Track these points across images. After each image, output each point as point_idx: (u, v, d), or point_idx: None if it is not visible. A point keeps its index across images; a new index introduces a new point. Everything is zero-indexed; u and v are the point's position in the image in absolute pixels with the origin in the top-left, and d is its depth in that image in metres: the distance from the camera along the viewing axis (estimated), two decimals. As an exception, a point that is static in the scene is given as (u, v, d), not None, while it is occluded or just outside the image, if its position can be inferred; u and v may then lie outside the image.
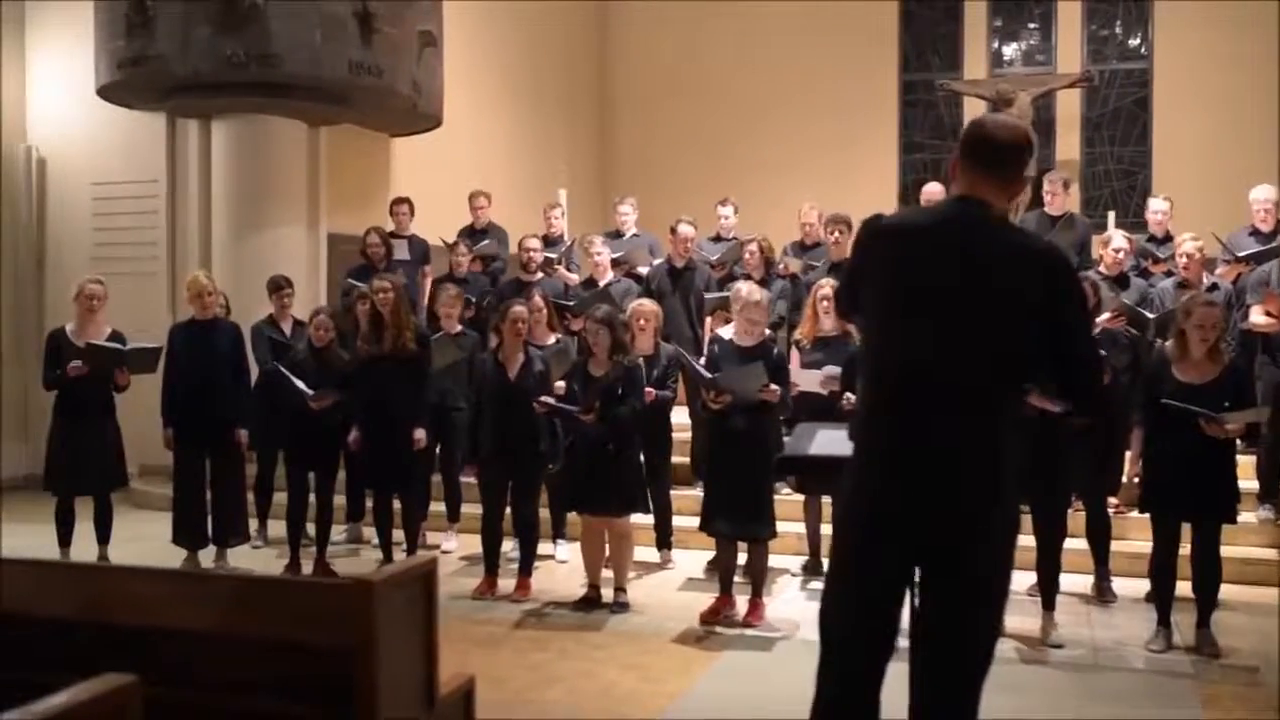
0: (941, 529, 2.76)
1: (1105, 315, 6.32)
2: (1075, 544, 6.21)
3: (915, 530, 2.77)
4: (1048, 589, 5.72)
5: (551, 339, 7.22)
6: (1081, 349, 2.90)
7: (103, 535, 6.98)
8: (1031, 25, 13.95)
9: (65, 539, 6.93)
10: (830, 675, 2.91)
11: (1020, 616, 5.84)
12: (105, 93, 9.51)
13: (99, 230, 10.35)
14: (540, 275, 8.46)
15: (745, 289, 6.29)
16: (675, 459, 7.55)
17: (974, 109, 13.71)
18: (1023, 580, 6.13)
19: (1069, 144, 13.55)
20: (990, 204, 2.87)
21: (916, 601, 2.89)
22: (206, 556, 7.15)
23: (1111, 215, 10.78)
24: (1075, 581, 6.34)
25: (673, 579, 7.06)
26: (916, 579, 2.87)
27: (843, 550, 2.94)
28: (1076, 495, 6.31)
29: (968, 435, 2.76)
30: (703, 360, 6.37)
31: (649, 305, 7.05)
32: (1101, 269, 7.46)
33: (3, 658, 2.79)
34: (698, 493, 7.54)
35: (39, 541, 6.96)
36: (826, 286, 6.65)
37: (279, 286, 7.95)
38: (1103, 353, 5.77)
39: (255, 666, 2.67)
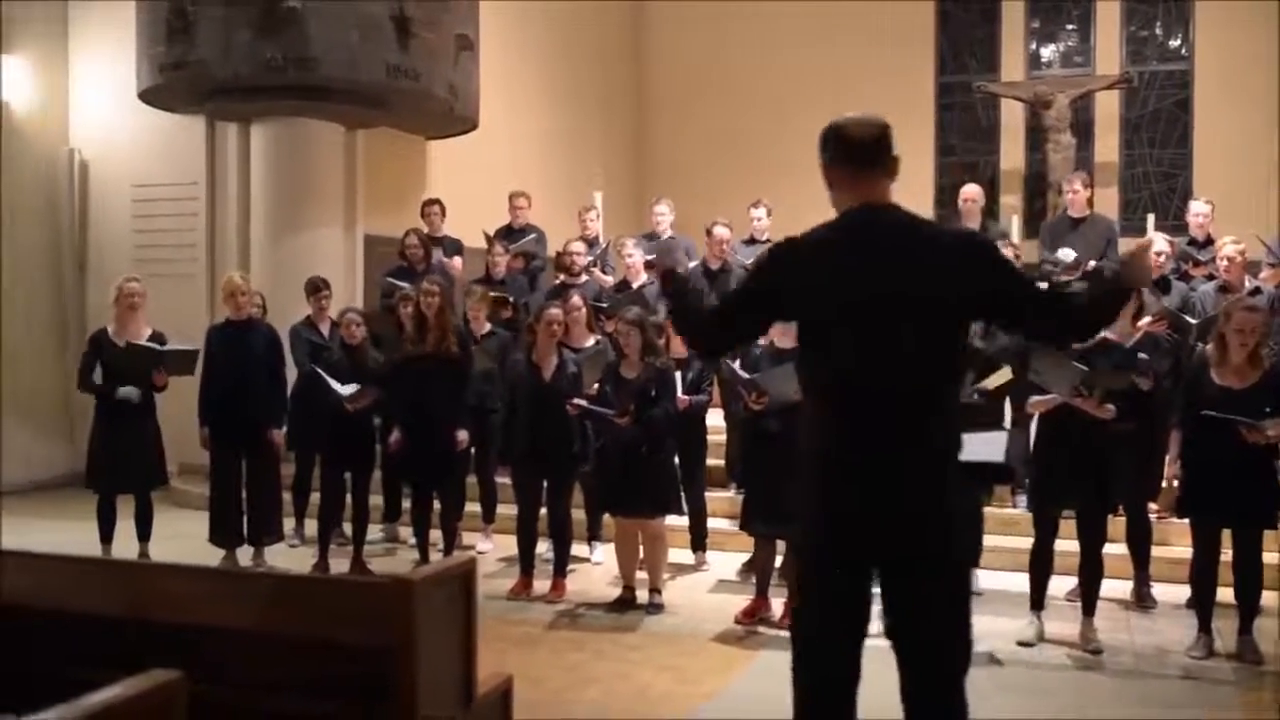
0: (891, 531, 2.81)
1: (1146, 319, 6.25)
2: (1115, 549, 6.15)
3: (865, 533, 2.83)
4: (1088, 594, 5.66)
5: (590, 341, 7.21)
6: (1031, 291, 3.01)
7: (143, 533, 7.05)
8: (1070, 26, 13.84)
9: (106, 536, 7.01)
10: (804, 672, 2.96)
11: (1060, 622, 5.81)
12: (146, 97, 9.62)
13: (139, 232, 10.48)
14: (584, 278, 8.47)
15: None
16: (710, 461, 7.54)
17: (1011, 111, 13.63)
18: (1063, 585, 6.10)
19: (1108, 146, 13.43)
20: (893, 205, 2.93)
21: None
22: (244, 555, 7.22)
23: (1151, 218, 10.66)
24: (1115, 587, 6.27)
25: (707, 580, 7.05)
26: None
27: (803, 554, 3.01)
28: (1117, 500, 6.24)
29: (907, 437, 2.81)
30: (738, 362, 6.34)
31: (680, 307, 7.02)
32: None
33: (45, 653, 2.83)
34: (732, 495, 7.55)
35: (81, 538, 7.03)
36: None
37: (317, 288, 8.00)
38: (1143, 356, 5.76)
39: (294, 664, 2.68)
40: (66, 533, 7.79)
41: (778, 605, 6.02)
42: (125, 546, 6.93)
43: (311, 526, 7.48)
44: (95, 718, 1.57)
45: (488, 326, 7.72)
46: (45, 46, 10.46)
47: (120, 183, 10.55)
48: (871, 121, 2.98)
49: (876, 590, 2.93)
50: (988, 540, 6.92)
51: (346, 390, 6.86)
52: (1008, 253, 7.32)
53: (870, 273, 2.83)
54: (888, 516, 2.79)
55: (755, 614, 6.02)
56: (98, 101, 10.60)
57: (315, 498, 7.63)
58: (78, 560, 3.22)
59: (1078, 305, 3.11)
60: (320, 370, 7.01)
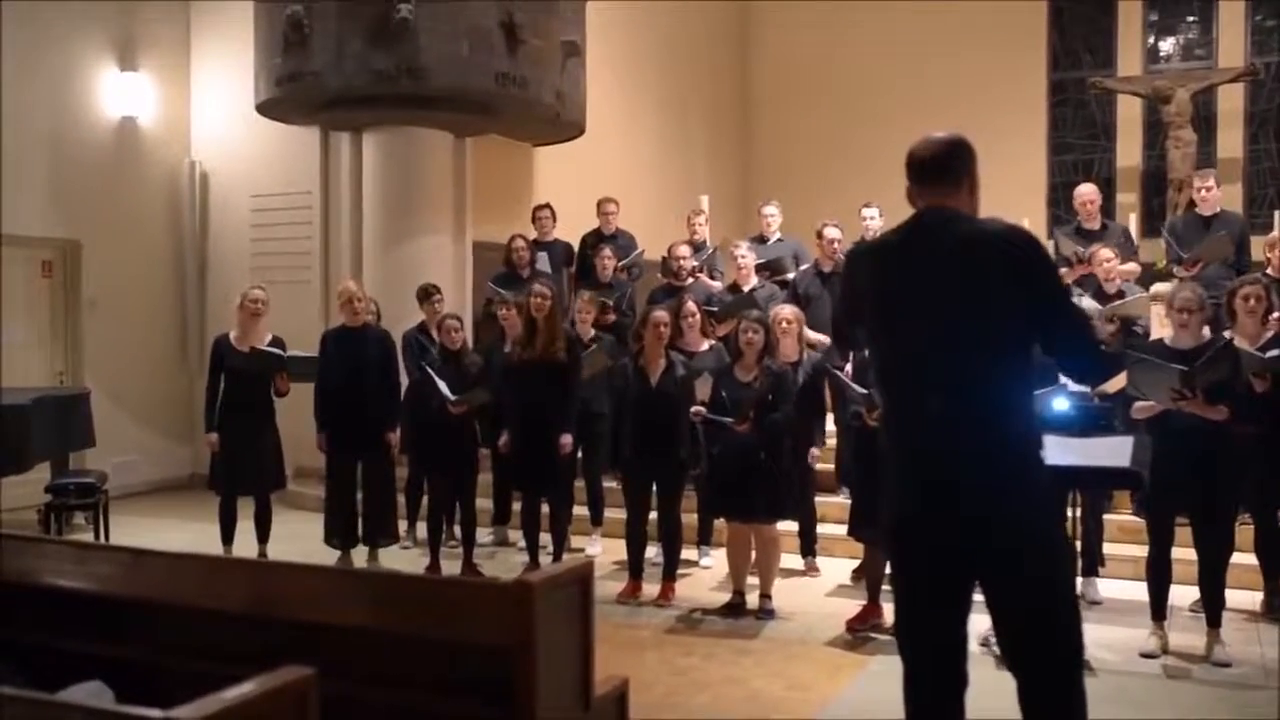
0: (971, 529, 2.82)
1: (1277, 315, 6.02)
2: (1244, 558, 5.93)
3: (933, 537, 2.87)
4: (1212, 605, 5.46)
5: (704, 345, 7.18)
6: (1062, 317, 2.96)
7: (262, 534, 7.23)
8: (1190, 19, 13.41)
9: (228, 536, 7.19)
10: (911, 686, 2.99)
11: (1184, 634, 5.62)
12: (264, 109, 9.87)
13: (256, 241, 10.76)
14: (691, 281, 8.46)
15: None
16: (820, 466, 7.46)
17: (1128, 107, 13.27)
18: (1186, 596, 5.90)
19: (1231, 141, 12.98)
20: (953, 208, 2.99)
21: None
22: (359, 557, 7.35)
23: (1278, 215, 10.26)
24: (1244, 598, 6.05)
25: (818, 586, 6.98)
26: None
27: (893, 563, 3.10)
28: (1244, 508, 6.01)
29: (975, 432, 2.83)
30: (849, 369, 6.26)
31: (789, 309, 6.98)
32: (1269, 271, 7.12)
33: (174, 648, 2.91)
34: (843, 500, 7.45)
35: (203, 539, 7.26)
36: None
37: (429, 294, 8.11)
38: (1275, 353, 5.53)
39: (415, 663, 2.72)
40: (189, 533, 8.06)
41: (889, 611, 5.93)
42: (243, 547, 7.12)
43: (424, 529, 7.59)
44: (234, 712, 1.60)
45: (593, 331, 7.75)
46: (168, 63, 10.81)
47: (239, 192, 10.86)
48: (937, 140, 3.07)
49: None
50: (1109, 549, 6.75)
51: (452, 394, 6.94)
52: (1107, 253, 7.16)
53: (916, 273, 2.93)
54: (954, 519, 2.83)
55: (867, 620, 5.94)
56: (217, 114, 10.93)
57: (427, 501, 7.73)
58: (206, 559, 3.30)
59: (1108, 356, 3.16)
60: (430, 370, 7.10)
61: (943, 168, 3.02)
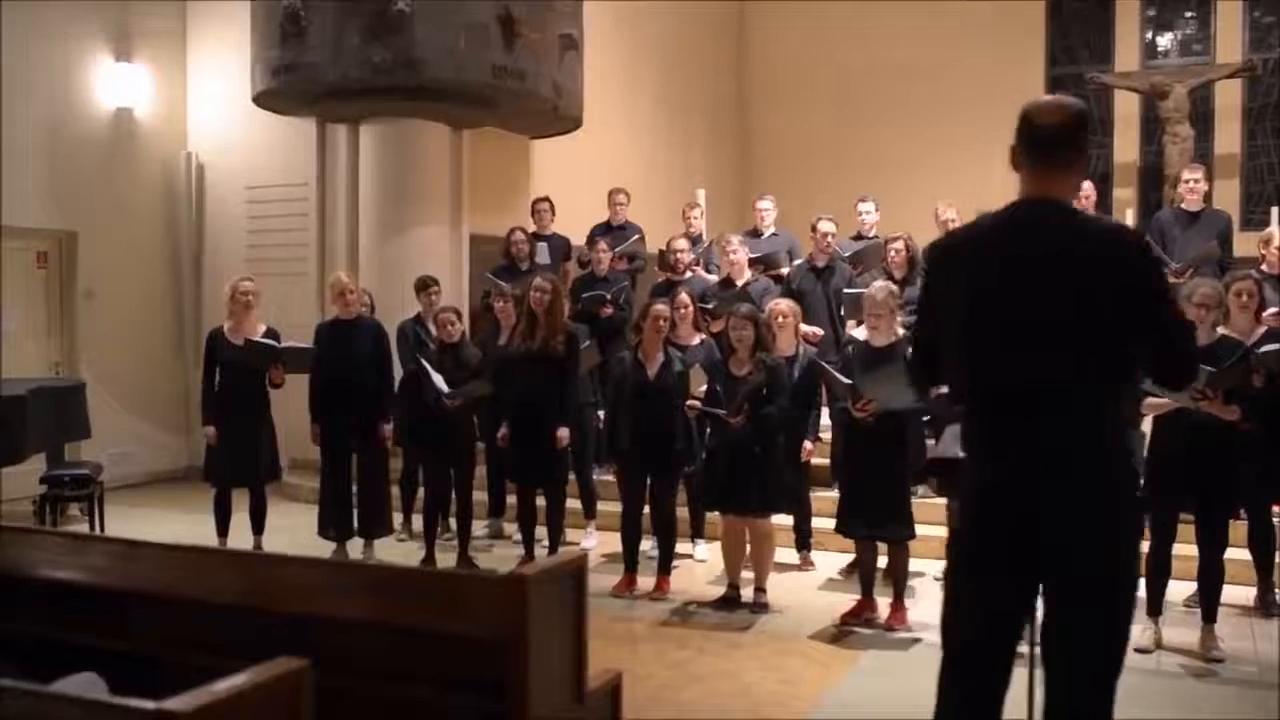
0: (1055, 528, 2.71)
1: (1272, 310, 6.03)
2: (1238, 554, 5.94)
3: (1030, 533, 2.73)
4: (1208, 601, 5.48)
5: (696, 339, 7.18)
6: (1168, 328, 2.83)
7: (257, 525, 7.23)
8: (1188, 14, 13.41)
9: (223, 528, 7.19)
10: (952, 684, 2.87)
11: (1178, 629, 5.63)
12: (260, 100, 9.86)
13: (252, 232, 10.75)
14: (689, 275, 8.46)
15: (872, 288, 6.20)
16: (815, 460, 7.46)
17: (1125, 103, 13.27)
18: (1181, 591, 5.91)
19: (1229, 137, 12.98)
20: (1054, 199, 2.81)
21: (1041, 607, 2.86)
22: (353, 549, 7.36)
23: (1275, 211, 10.28)
24: (1238, 593, 6.06)
25: (812, 580, 6.99)
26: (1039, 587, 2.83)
27: (961, 557, 2.92)
28: (1238, 503, 6.02)
29: (1068, 433, 2.72)
30: (838, 363, 6.26)
31: (785, 303, 6.99)
32: (1263, 268, 7.14)
33: (169, 640, 2.91)
34: (837, 494, 7.45)
35: (198, 530, 7.26)
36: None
37: (426, 285, 8.11)
38: (1273, 347, 5.54)
39: (409, 655, 2.72)
40: (184, 524, 8.06)
41: (883, 606, 5.95)
42: (239, 539, 7.12)
43: (419, 521, 7.59)
44: (228, 703, 1.61)
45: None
46: (164, 54, 10.79)
47: (235, 184, 10.84)
48: (1062, 106, 2.85)
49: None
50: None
51: (448, 387, 6.93)
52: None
53: (1014, 272, 2.75)
54: (1053, 509, 2.70)
55: (860, 615, 5.95)
56: (213, 106, 10.90)
57: (423, 493, 7.73)
58: (201, 550, 3.30)
59: (1197, 363, 3.05)
60: (426, 363, 7.10)
61: (1063, 141, 2.79)
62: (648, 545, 6.90)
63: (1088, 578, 2.74)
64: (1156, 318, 2.79)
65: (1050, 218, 2.79)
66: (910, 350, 3.28)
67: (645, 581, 6.64)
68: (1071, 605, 2.77)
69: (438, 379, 6.95)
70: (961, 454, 3.61)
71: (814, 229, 8.29)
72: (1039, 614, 2.89)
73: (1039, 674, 2.90)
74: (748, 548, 6.40)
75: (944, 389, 6.18)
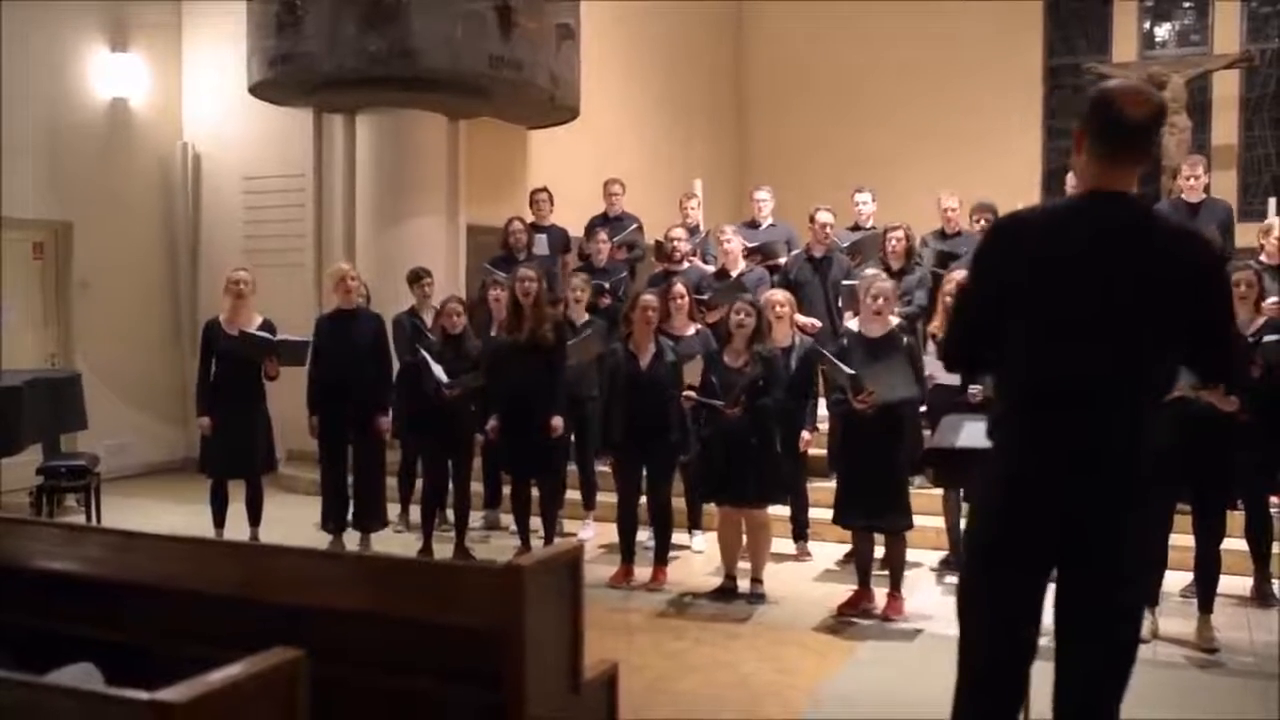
0: (1079, 519, 2.69)
1: (1272, 300, 6.03)
2: (1234, 544, 5.95)
3: (1053, 523, 2.71)
4: (1205, 591, 5.49)
5: (691, 330, 7.18)
6: (1227, 338, 2.86)
7: (254, 517, 7.22)
8: (1186, 5, 13.39)
9: (219, 519, 7.19)
10: (972, 676, 2.86)
11: (1175, 619, 5.64)
12: (257, 90, 9.83)
13: (249, 223, 10.73)
14: (686, 265, 8.44)
15: (866, 278, 6.19)
16: (812, 451, 7.46)
17: (1123, 93, 13.23)
18: (1178, 581, 5.92)
19: (1226, 127, 12.98)
20: (1128, 193, 2.76)
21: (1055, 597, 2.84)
22: (350, 540, 7.35)
23: (1273, 202, 10.29)
24: (1234, 584, 6.07)
25: (809, 570, 7.00)
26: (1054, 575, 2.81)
27: (981, 546, 2.88)
28: (1235, 493, 6.03)
29: (1107, 431, 2.69)
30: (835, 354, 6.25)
31: (781, 294, 6.99)
32: (1262, 258, 7.13)
33: (165, 631, 2.90)
34: (834, 485, 7.46)
35: (195, 521, 7.26)
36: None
37: (419, 277, 8.10)
38: (1273, 338, 5.53)
39: (406, 646, 2.72)
40: (180, 516, 8.05)
41: (880, 597, 5.96)
42: (236, 530, 7.12)
43: (416, 513, 7.59)
44: (223, 693, 1.60)
45: (587, 315, 7.74)
46: (160, 44, 10.76)
47: (231, 175, 10.82)
48: (1150, 100, 2.73)
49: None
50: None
51: (447, 377, 6.93)
52: None
53: (1090, 265, 2.68)
54: (1078, 500, 2.68)
55: (857, 605, 5.96)
56: (210, 96, 10.87)
57: (420, 485, 7.73)
58: (198, 541, 3.30)
59: (1234, 383, 3.05)
60: (426, 353, 7.09)
61: (1148, 133, 2.69)
62: (645, 536, 6.91)
63: (1107, 573, 2.72)
64: (1218, 324, 2.79)
65: (1127, 214, 2.73)
66: (947, 331, 3.15)
67: (642, 572, 6.64)
68: (1090, 597, 2.74)
69: (437, 369, 6.94)
70: (958, 444, 3.63)
71: (812, 219, 8.28)
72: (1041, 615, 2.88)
73: (1038, 674, 2.88)
74: (744, 538, 6.40)
75: (938, 379, 6.23)
